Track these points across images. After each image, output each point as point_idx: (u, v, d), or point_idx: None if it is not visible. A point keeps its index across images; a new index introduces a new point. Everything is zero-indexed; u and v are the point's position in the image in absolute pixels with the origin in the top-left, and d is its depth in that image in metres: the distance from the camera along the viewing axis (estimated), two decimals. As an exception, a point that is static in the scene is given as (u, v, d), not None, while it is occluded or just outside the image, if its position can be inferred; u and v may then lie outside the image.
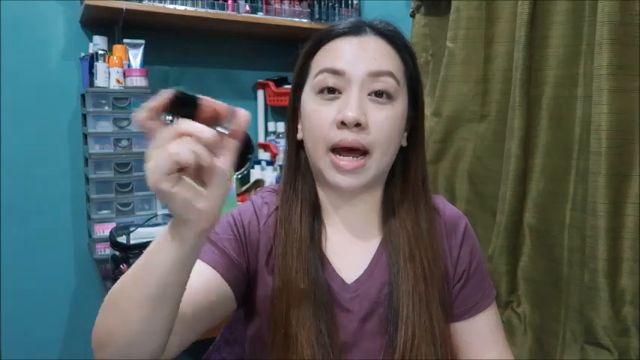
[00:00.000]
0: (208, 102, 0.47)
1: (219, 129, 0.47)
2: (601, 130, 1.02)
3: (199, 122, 0.46)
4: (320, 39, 0.71)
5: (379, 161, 0.67)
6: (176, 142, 0.43)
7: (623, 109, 1.01)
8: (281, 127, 2.02)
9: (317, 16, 1.91)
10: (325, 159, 0.67)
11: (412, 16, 1.62)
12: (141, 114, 0.45)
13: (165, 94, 0.46)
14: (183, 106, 0.47)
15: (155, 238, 0.51)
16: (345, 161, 0.66)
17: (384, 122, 0.67)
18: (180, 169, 0.43)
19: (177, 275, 0.49)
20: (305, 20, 1.89)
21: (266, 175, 1.84)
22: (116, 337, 0.51)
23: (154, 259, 0.50)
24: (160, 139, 0.44)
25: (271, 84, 1.97)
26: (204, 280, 0.65)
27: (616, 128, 1.01)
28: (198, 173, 0.45)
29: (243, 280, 0.71)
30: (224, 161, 0.46)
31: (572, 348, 1.13)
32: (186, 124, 0.44)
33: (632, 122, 1.02)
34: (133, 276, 0.51)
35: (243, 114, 0.48)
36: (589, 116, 1.07)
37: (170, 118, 0.47)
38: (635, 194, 1.03)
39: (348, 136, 0.65)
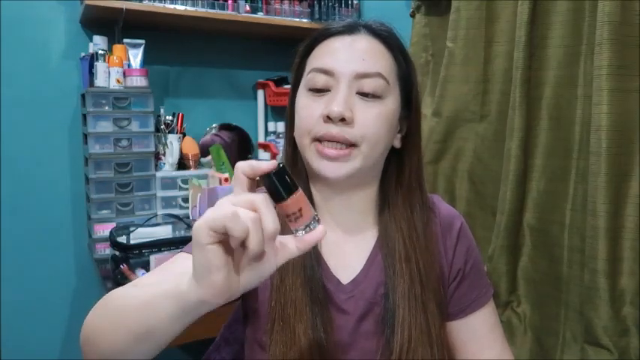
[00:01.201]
0: (302, 199, 0.48)
1: (293, 227, 0.48)
2: (601, 130, 1.02)
3: (283, 207, 0.47)
4: (315, 38, 0.72)
5: (366, 155, 0.67)
6: (243, 212, 0.43)
7: (623, 109, 1.01)
8: (281, 127, 2.02)
9: (317, 16, 1.91)
10: (311, 147, 0.68)
11: (412, 16, 1.62)
12: (244, 166, 0.47)
13: (274, 165, 0.46)
14: (279, 185, 0.47)
15: (172, 272, 0.53)
16: (330, 148, 0.66)
17: (370, 119, 0.67)
18: (224, 233, 0.43)
19: (169, 325, 0.50)
20: (305, 20, 1.89)
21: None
22: (101, 346, 0.54)
23: (154, 302, 0.50)
24: (237, 196, 0.45)
25: (271, 84, 1.98)
26: None
27: (616, 128, 1.01)
28: (238, 250, 0.45)
29: None
30: (271, 259, 0.46)
31: (572, 348, 1.13)
32: (263, 201, 0.44)
33: (632, 122, 1.02)
34: (134, 306, 0.53)
35: (320, 231, 0.48)
36: (589, 116, 1.07)
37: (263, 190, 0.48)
38: (635, 194, 1.03)
39: (333, 130, 0.66)
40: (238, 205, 0.44)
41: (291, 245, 0.48)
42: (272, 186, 0.47)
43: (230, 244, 0.44)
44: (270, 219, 0.44)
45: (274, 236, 0.45)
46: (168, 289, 0.49)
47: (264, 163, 0.47)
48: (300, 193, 0.48)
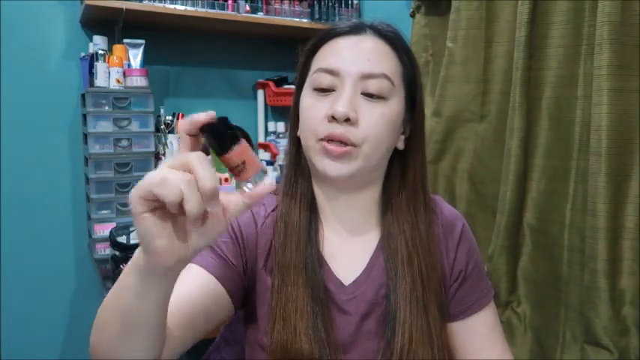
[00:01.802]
0: (245, 151, 0.45)
1: (239, 181, 0.46)
2: (601, 130, 1.02)
3: (226, 160, 0.45)
4: (321, 38, 0.72)
5: (367, 155, 0.67)
6: (170, 173, 0.41)
7: (623, 109, 1.01)
8: (281, 127, 2.02)
9: (317, 16, 1.91)
10: (315, 147, 0.68)
11: (412, 16, 1.62)
12: (183, 124, 0.45)
13: (210, 114, 0.45)
14: (218, 137, 0.45)
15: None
16: (334, 146, 0.66)
17: (374, 119, 0.67)
18: (157, 200, 0.41)
19: (143, 300, 0.48)
20: (305, 20, 1.89)
21: (266, 175, 1.84)
22: (99, 344, 0.53)
23: (120, 282, 0.50)
24: (174, 159, 0.43)
25: (271, 84, 1.97)
26: (201, 285, 0.66)
27: (616, 128, 1.01)
28: (178, 213, 0.42)
29: (241, 283, 0.71)
30: (218, 216, 0.44)
31: (572, 348, 1.13)
32: (197, 159, 0.42)
33: (632, 122, 1.02)
34: (109, 299, 0.52)
35: (268, 184, 0.46)
36: (589, 116, 1.07)
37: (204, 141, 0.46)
38: (635, 194, 1.03)
39: (337, 130, 0.65)
40: (173, 167, 0.42)
41: (238, 200, 0.46)
42: (211, 138, 0.45)
43: (166, 209, 0.41)
44: (205, 177, 0.41)
45: (212, 195, 0.41)
46: (128, 266, 0.49)
47: (201, 115, 0.45)
48: (243, 145, 0.45)
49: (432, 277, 0.71)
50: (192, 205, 0.40)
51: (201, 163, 0.41)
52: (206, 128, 0.45)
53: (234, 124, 0.46)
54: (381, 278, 0.72)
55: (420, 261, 0.71)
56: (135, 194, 0.42)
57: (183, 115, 1.79)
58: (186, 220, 0.43)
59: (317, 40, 0.72)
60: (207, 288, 0.66)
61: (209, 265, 0.68)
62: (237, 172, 0.46)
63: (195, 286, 0.64)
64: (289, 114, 0.77)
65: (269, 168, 1.86)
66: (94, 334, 0.54)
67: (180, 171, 0.41)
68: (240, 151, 0.45)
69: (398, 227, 0.73)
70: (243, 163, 0.45)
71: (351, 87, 0.67)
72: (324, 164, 0.67)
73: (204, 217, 0.44)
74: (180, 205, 0.41)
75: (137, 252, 0.47)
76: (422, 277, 0.70)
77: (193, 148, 0.46)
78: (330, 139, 0.66)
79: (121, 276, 0.50)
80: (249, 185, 0.46)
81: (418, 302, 0.69)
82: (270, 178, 0.47)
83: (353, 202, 0.74)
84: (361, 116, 0.66)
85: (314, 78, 0.69)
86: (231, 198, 0.46)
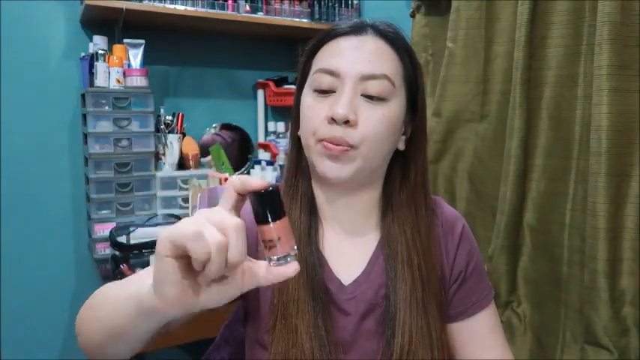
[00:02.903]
0: (283, 229, 0.45)
1: (268, 255, 0.45)
2: (601, 130, 1.02)
3: (263, 230, 0.44)
4: (322, 38, 0.72)
5: (365, 156, 0.67)
6: (206, 231, 0.41)
7: (623, 109, 1.01)
8: (281, 127, 2.02)
9: (317, 16, 1.91)
10: (315, 148, 0.68)
11: (412, 16, 1.62)
12: (237, 181, 0.45)
13: (266, 184, 0.44)
14: (263, 207, 0.44)
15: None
16: (334, 145, 0.66)
17: (374, 121, 0.67)
18: (183, 252, 0.41)
19: (132, 326, 0.50)
20: (305, 20, 1.89)
21: (266, 175, 1.84)
22: (84, 332, 0.58)
23: (122, 298, 0.51)
24: (214, 213, 0.43)
25: (271, 84, 1.97)
26: None
27: (616, 128, 1.01)
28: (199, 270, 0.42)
29: None
30: (235, 282, 0.45)
31: (572, 348, 1.13)
32: (235, 226, 0.42)
33: (632, 122, 1.02)
34: (109, 296, 0.55)
35: (293, 269, 0.45)
36: (589, 116, 1.07)
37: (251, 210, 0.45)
38: (635, 194, 1.03)
39: (337, 133, 0.65)
40: (211, 223, 0.42)
41: (261, 274, 0.46)
42: (256, 206, 0.45)
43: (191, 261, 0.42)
44: (236, 248, 0.41)
45: (237, 267, 0.43)
46: (134, 290, 0.49)
47: (256, 181, 0.45)
48: (283, 222, 0.45)
49: (432, 279, 0.71)
50: (213, 270, 0.41)
51: (238, 235, 0.42)
52: (254, 193, 0.45)
53: (280, 197, 0.45)
54: (381, 278, 0.72)
55: (420, 262, 0.71)
56: (165, 236, 0.41)
57: (183, 116, 1.79)
58: (202, 275, 0.43)
59: (318, 40, 0.72)
60: None
61: None
62: (268, 246, 0.45)
63: None
64: (290, 114, 0.77)
65: (269, 168, 1.87)
66: (84, 312, 0.59)
67: (214, 229, 0.41)
68: (278, 227, 0.45)
69: (398, 228, 0.73)
70: (278, 239, 0.45)
71: (351, 88, 0.66)
72: (324, 166, 0.67)
73: (219, 280, 0.44)
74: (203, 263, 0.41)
75: (145, 291, 0.45)
76: (422, 279, 0.70)
77: (236, 207, 0.46)
78: (329, 142, 0.66)
79: (124, 294, 0.51)
80: (275, 259, 0.45)
81: (418, 303, 0.69)
82: (297, 264, 0.46)
83: (353, 203, 0.74)
84: (361, 118, 0.66)
85: (314, 78, 0.69)
86: (256, 269, 0.46)
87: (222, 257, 0.41)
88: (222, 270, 0.41)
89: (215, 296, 0.44)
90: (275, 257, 0.45)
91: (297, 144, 0.75)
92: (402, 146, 0.73)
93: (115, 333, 0.53)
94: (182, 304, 0.43)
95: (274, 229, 0.45)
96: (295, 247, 0.46)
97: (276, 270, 0.45)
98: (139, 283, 0.49)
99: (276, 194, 0.45)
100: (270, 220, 0.44)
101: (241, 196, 0.46)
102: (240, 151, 2.00)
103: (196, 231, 0.40)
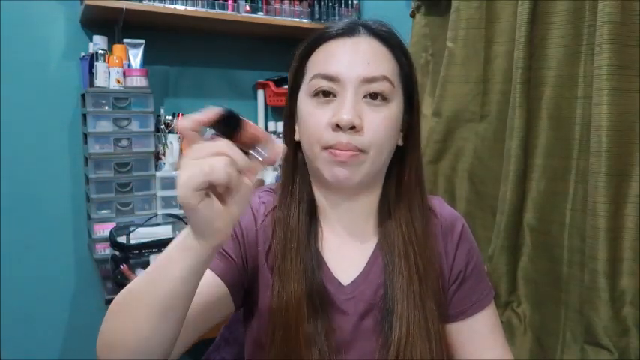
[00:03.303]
0: (250, 126, 0.50)
1: (253, 153, 0.50)
2: (601, 130, 1.02)
3: (238, 142, 0.49)
4: (314, 41, 0.71)
5: (373, 159, 0.67)
6: (213, 161, 0.45)
7: (623, 109, 1.01)
8: (281, 127, 2.01)
9: (317, 16, 1.91)
10: (321, 155, 0.67)
11: (412, 16, 1.62)
12: (185, 123, 0.48)
13: (214, 111, 0.49)
14: (227, 125, 0.50)
15: (167, 248, 0.52)
16: (341, 151, 0.66)
17: (379, 124, 0.67)
18: (209, 187, 0.45)
19: (187, 286, 0.51)
20: (305, 20, 1.89)
21: (266, 175, 1.84)
22: (126, 341, 0.52)
23: (166, 269, 0.51)
24: (197, 152, 0.47)
25: (271, 84, 1.97)
26: (204, 283, 0.65)
27: (616, 128, 1.01)
28: (223, 192, 0.47)
29: (241, 280, 0.71)
30: (248, 184, 0.49)
31: (572, 348, 1.13)
32: (226, 146, 0.47)
33: (632, 122, 1.02)
34: (145, 284, 0.53)
35: (278, 145, 0.51)
36: (589, 116, 1.07)
37: (212, 133, 0.50)
38: (635, 194, 1.03)
39: (343, 139, 0.65)
40: (202, 156, 0.46)
41: (256, 165, 0.51)
42: (221, 125, 0.49)
43: (214, 191, 0.47)
44: (239, 158, 0.47)
45: (247, 166, 0.48)
46: (172, 252, 0.51)
47: (206, 112, 0.49)
48: (248, 123, 0.51)
49: (429, 272, 0.71)
50: (235, 180, 0.47)
51: (231, 149, 0.47)
52: (217, 122, 0.49)
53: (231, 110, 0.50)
54: (380, 279, 0.72)
55: (416, 255, 0.71)
56: (186, 190, 0.45)
57: (183, 115, 1.79)
58: (226, 195, 0.48)
59: (309, 43, 0.71)
60: (210, 285, 0.66)
61: (212, 263, 0.68)
62: (251, 144, 0.51)
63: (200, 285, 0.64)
64: (284, 117, 0.77)
65: (269, 168, 1.86)
66: (112, 320, 0.54)
67: (212, 156, 0.46)
68: (248, 128, 0.50)
69: (395, 224, 0.73)
70: (255, 136, 0.51)
71: (353, 93, 0.66)
72: (333, 171, 0.67)
73: (233, 194, 0.48)
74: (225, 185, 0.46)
75: (187, 239, 0.50)
76: (419, 272, 0.70)
77: (199, 141, 0.49)
78: (336, 149, 0.66)
79: (162, 267, 0.52)
80: (262, 153, 0.51)
81: (415, 296, 0.69)
82: (280, 143, 0.52)
83: (354, 206, 0.74)
84: (366, 122, 0.66)
85: (312, 84, 0.68)
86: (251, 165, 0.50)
87: (234, 169, 0.46)
88: (239, 179, 0.47)
89: (240, 204, 0.49)
90: (257, 151, 0.51)
91: (293, 148, 0.74)
92: (400, 142, 0.74)
93: (166, 307, 0.51)
94: (227, 226, 0.49)
95: (247, 130, 0.50)
96: (266, 135, 0.52)
97: (268, 155, 0.51)
98: (165, 253, 0.52)
99: (231, 111, 0.50)
100: (239, 127, 0.50)
101: (196, 133, 0.50)
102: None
103: (210, 164, 0.45)
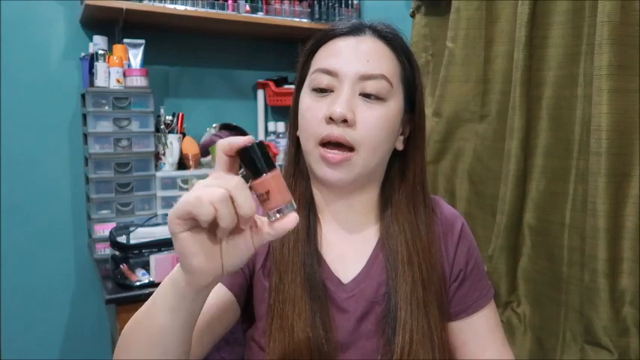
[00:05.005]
0: (274, 180, 0.46)
1: (270, 213, 0.46)
2: (601, 130, 1.02)
3: (257, 187, 0.46)
4: (320, 38, 0.72)
5: (365, 159, 0.67)
6: (206, 192, 0.42)
7: (623, 109, 1.01)
8: (281, 127, 2.02)
9: (317, 16, 1.91)
10: (314, 153, 0.68)
11: (412, 16, 1.62)
12: (225, 143, 0.46)
13: (249, 140, 0.46)
14: (251, 162, 0.46)
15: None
16: (332, 154, 0.66)
17: (372, 121, 0.67)
18: (191, 219, 0.43)
19: (173, 322, 0.50)
20: (305, 20, 1.89)
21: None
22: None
23: (157, 300, 0.52)
24: (210, 180, 0.45)
25: (271, 84, 1.97)
26: (214, 296, 0.66)
27: (616, 128, 1.01)
28: (220, 234, 0.45)
29: (245, 286, 0.72)
30: (247, 239, 0.46)
31: (572, 348, 1.13)
32: (234, 181, 0.44)
33: (632, 122, 1.02)
34: (143, 314, 0.54)
35: (292, 220, 0.46)
36: (589, 116, 1.07)
37: (242, 171, 0.47)
38: (635, 194, 1.03)
39: (335, 131, 0.66)
40: (209, 185, 0.43)
41: (265, 229, 0.47)
42: (245, 162, 0.46)
43: (205, 228, 0.44)
44: (244, 204, 0.43)
45: (249, 219, 0.44)
46: (163, 288, 0.51)
47: (240, 138, 0.46)
48: (274, 174, 0.46)
49: (432, 278, 0.71)
50: (226, 221, 0.43)
51: (240, 190, 0.43)
52: (241, 151, 0.46)
53: (267, 150, 0.46)
54: (381, 276, 0.72)
55: (420, 261, 0.71)
56: (172, 215, 0.44)
57: (183, 115, 1.79)
58: (219, 231, 0.44)
59: (316, 40, 0.72)
60: (220, 300, 0.67)
61: None
62: (263, 199, 0.46)
63: (210, 297, 0.65)
64: (289, 113, 0.77)
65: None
66: (120, 353, 0.56)
67: (214, 187, 0.43)
68: (270, 179, 0.46)
69: (398, 227, 0.73)
70: (271, 191, 0.46)
71: (349, 88, 0.67)
72: (323, 172, 0.68)
73: (237, 232, 0.46)
74: (213, 223, 0.43)
75: (176, 272, 0.49)
76: (422, 278, 0.70)
77: (230, 169, 0.47)
78: (328, 142, 0.66)
79: (156, 297, 0.52)
80: (272, 213, 0.46)
81: (419, 303, 0.69)
82: (295, 214, 0.46)
83: (352, 203, 0.74)
84: (359, 117, 0.66)
85: (313, 78, 0.69)
86: (261, 225, 0.47)
87: (229, 208, 0.42)
88: (233, 221, 0.43)
89: (233, 255, 0.46)
90: (272, 211, 0.46)
91: (295, 144, 0.75)
92: (400, 146, 0.74)
93: (157, 347, 0.52)
94: (208, 270, 0.45)
95: (265, 180, 0.46)
96: (292, 200, 0.47)
97: (276, 224, 0.46)
98: (158, 292, 0.51)
99: (261, 146, 0.46)
100: (260, 172, 0.46)
101: (232, 158, 0.47)
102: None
103: (195, 196, 0.42)
